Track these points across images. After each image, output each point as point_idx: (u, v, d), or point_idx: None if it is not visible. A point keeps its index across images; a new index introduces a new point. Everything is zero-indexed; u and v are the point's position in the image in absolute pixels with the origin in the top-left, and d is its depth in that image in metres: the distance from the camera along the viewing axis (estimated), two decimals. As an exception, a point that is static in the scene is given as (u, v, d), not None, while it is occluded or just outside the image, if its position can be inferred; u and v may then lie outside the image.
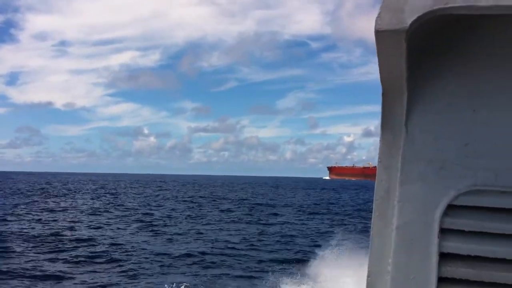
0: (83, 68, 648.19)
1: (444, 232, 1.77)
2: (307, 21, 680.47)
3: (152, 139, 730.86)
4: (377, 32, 1.62)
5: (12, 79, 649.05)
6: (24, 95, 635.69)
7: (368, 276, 1.91)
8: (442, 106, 1.79)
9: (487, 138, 1.74)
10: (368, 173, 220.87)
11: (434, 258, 1.77)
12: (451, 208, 1.76)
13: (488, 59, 1.75)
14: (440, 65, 1.79)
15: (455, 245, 1.76)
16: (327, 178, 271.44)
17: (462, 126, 1.76)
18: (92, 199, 68.58)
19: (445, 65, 1.79)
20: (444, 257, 1.77)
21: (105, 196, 75.43)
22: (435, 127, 1.80)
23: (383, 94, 1.84)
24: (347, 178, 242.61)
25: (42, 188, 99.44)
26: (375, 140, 1.94)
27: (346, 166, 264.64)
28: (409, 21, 1.58)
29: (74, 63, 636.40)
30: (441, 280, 1.77)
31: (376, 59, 1.76)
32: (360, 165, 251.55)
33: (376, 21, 1.61)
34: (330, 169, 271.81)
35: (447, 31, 1.77)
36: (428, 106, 1.80)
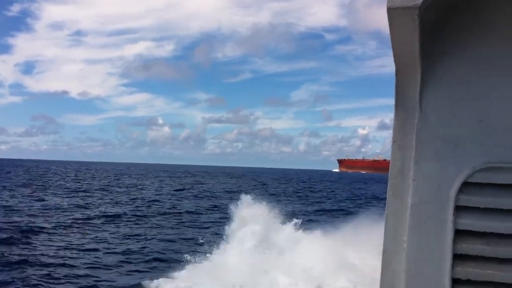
0: (98, 57, 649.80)
1: (459, 209, 1.77)
2: (322, 13, 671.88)
3: (166, 129, 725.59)
4: (389, 10, 1.59)
5: (28, 67, 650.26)
6: (39, 84, 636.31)
7: (383, 254, 1.90)
8: (456, 84, 1.76)
9: (501, 115, 1.71)
10: (378, 166, 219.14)
11: (450, 235, 1.77)
12: (466, 186, 1.76)
13: (503, 35, 1.71)
14: (455, 41, 1.76)
15: (470, 222, 1.75)
16: (337, 170, 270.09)
17: (477, 103, 1.74)
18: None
19: (459, 41, 1.75)
20: (460, 234, 1.77)
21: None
22: (449, 104, 1.77)
23: (396, 72, 1.81)
24: (357, 171, 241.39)
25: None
26: (390, 134, 1.91)
27: (356, 159, 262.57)
28: None
29: (89, 53, 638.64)
30: (456, 257, 1.77)
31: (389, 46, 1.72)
32: (372, 158, 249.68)
33: None
34: (340, 161, 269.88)
35: (462, 7, 1.73)
36: (442, 83, 1.76)
